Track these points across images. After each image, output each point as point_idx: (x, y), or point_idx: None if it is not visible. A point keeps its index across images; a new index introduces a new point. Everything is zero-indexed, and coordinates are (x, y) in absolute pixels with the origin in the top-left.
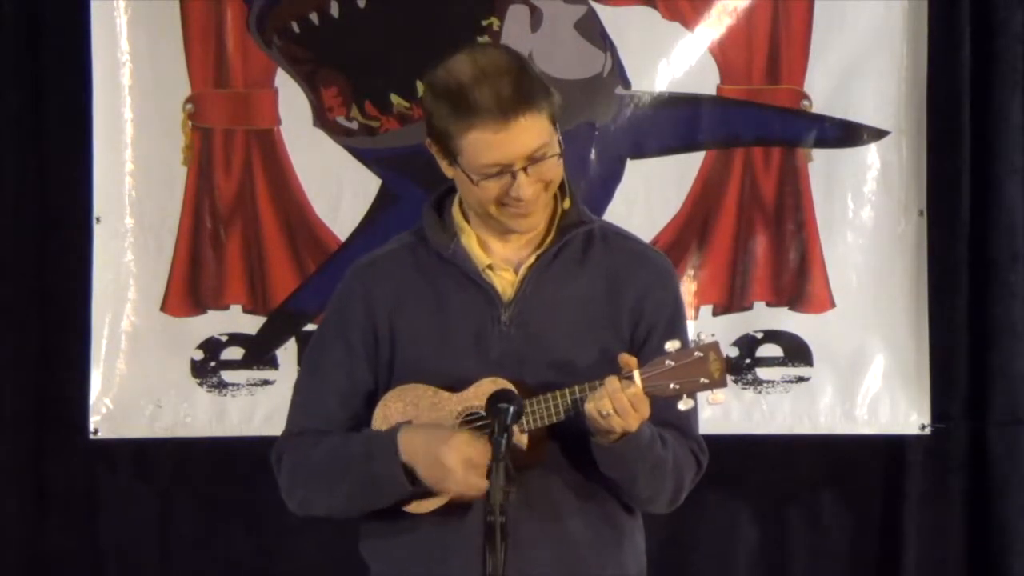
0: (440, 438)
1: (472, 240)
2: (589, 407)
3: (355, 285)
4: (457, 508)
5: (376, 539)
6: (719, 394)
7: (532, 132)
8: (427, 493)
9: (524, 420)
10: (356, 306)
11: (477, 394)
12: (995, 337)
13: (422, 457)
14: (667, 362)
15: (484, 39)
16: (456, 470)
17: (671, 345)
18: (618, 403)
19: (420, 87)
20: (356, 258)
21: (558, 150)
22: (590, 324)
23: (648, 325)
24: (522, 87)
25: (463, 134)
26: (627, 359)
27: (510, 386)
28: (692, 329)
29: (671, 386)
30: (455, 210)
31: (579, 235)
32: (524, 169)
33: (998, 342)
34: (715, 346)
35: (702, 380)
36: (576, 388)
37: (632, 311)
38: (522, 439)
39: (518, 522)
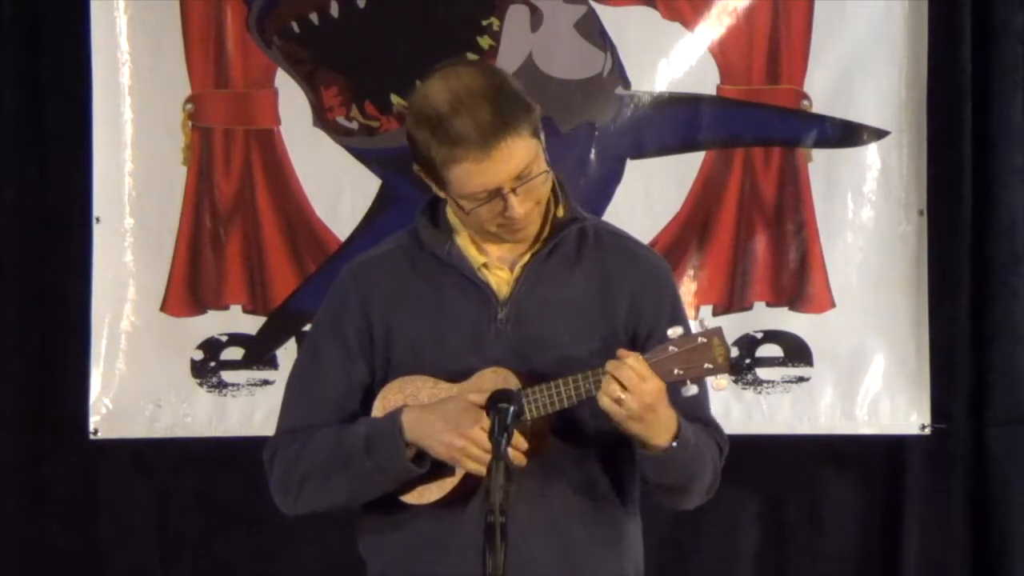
0: (453, 403)
1: (467, 240)
2: (603, 400)
3: (350, 285)
4: (456, 503)
5: (374, 535)
6: (722, 379)
7: (517, 154)
8: (429, 478)
9: (526, 410)
10: (351, 305)
11: (478, 384)
12: (995, 337)
13: (435, 426)
14: (670, 348)
15: (484, 39)
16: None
17: (673, 331)
18: (624, 377)
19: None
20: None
21: (545, 167)
22: (586, 321)
23: (648, 325)
24: (500, 110)
25: (448, 166)
26: (626, 352)
27: (512, 376)
28: (694, 323)
29: (675, 371)
30: (449, 211)
31: (573, 232)
32: (514, 190)
33: (998, 342)
34: (718, 331)
35: (706, 365)
36: (579, 376)
37: (629, 312)
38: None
39: (516, 521)
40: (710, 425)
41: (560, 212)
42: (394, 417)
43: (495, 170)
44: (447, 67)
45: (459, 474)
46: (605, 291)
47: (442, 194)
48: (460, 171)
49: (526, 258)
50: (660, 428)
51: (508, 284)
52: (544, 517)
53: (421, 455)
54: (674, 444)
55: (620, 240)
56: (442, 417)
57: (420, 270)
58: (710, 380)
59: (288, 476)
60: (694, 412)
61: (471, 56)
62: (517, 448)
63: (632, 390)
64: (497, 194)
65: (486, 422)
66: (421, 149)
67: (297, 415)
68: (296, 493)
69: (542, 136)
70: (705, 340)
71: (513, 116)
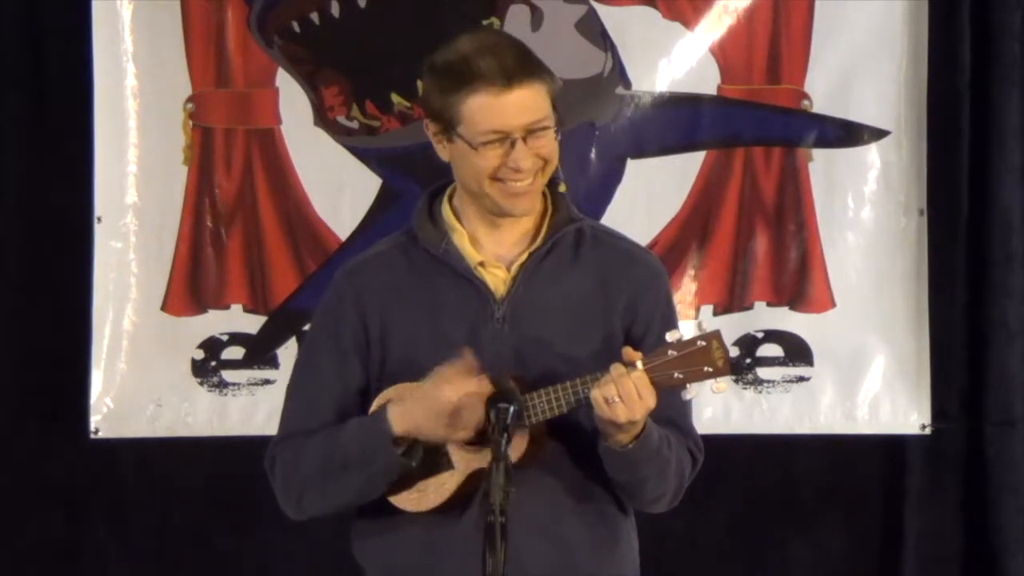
0: (431, 385)
1: (464, 239)
2: (595, 394)
3: (345, 287)
4: (452, 507)
5: (368, 541)
6: (722, 383)
7: (533, 102)
8: (425, 475)
9: (524, 416)
10: (347, 308)
11: None
12: (992, 337)
13: (420, 412)
14: (670, 352)
15: None
16: (457, 406)
17: (672, 335)
18: (623, 389)
19: (420, 87)
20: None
21: (556, 124)
22: (583, 321)
23: (644, 325)
24: (524, 59)
25: (465, 100)
26: (631, 352)
27: (508, 382)
28: (691, 325)
29: (675, 375)
30: (445, 209)
31: (570, 233)
32: (523, 139)
33: (995, 342)
34: (717, 335)
35: (706, 369)
36: (577, 381)
37: (625, 312)
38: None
39: (514, 521)
40: (688, 435)
41: (555, 211)
42: (380, 413)
43: (511, 111)
44: (472, 28)
45: (456, 480)
46: (603, 291)
47: (445, 155)
48: (476, 105)
49: (523, 257)
50: (630, 431)
51: (505, 283)
52: (541, 518)
53: (411, 450)
54: (630, 445)
55: (617, 241)
56: (424, 399)
57: (416, 269)
58: (709, 384)
59: (288, 483)
60: (674, 417)
61: None
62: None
63: (626, 402)
64: (507, 139)
65: (468, 386)
66: (438, 95)
67: (295, 420)
68: (298, 499)
69: (557, 110)
70: (704, 344)
71: (537, 69)
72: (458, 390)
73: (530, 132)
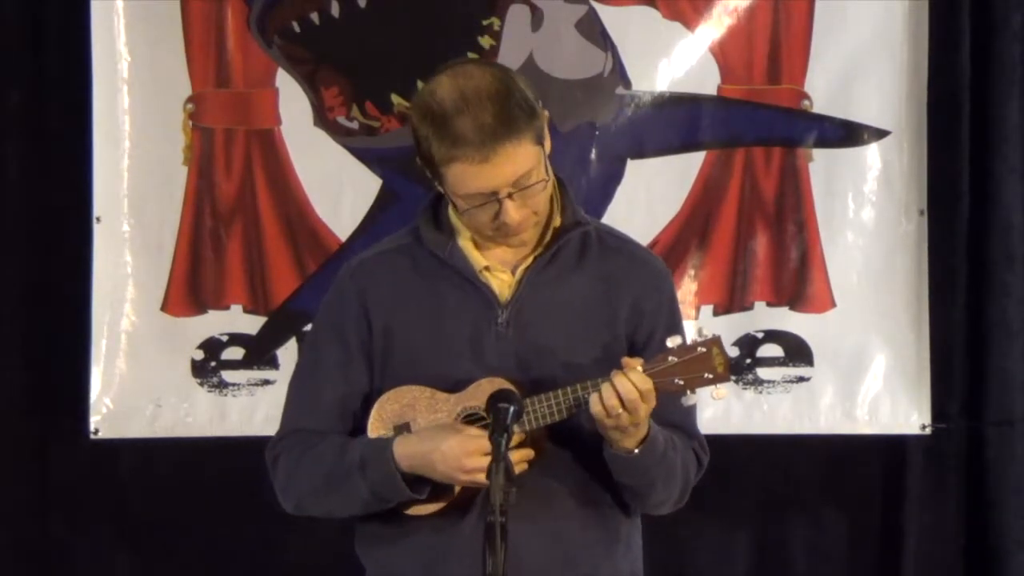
0: (450, 435)
1: (468, 242)
2: (597, 409)
3: (349, 284)
4: (454, 511)
5: (371, 542)
6: (722, 389)
7: (516, 160)
8: (429, 497)
9: (524, 420)
10: (351, 305)
11: (475, 394)
12: (992, 337)
13: (433, 460)
14: (670, 358)
15: (485, 39)
16: (461, 459)
17: (672, 341)
18: (627, 395)
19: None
20: None
21: (544, 175)
22: (587, 325)
23: (648, 328)
24: (504, 114)
25: (446, 165)
26: (630, 361)
27: (509, 386)
28: (692, 328)
29: (675, 381)
30: (451, 212)
31: (575, 237)
32: (510, 196)
33: (995, 342)
34: (717, 341)
35: (706, 375)
36: (578, 386)
37: (630, 314)
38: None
39: (513, 521)
40: (693, 436)
41: (561, 216)
42: (385, 449)
43: (492, 174)
44: (458, 64)
45: (457, 487)
46: (607, 295)
47: (442, 189)
48: (457, 171)
49: (528, 261)
50: (634, 435)
51: (510, 287)
52: (541, 519)
53: (419, 479)
54: (636, 451)
55: (622, 244)
56: (439, 451)
57: (421, 270)
58: (709, 390)
59: (288, 486)
60: (678, 419)
61: (472, 56)
62: (522, 459)
63: (629, 408)
64: (493, 198)
65: (484, 445)
66: (423, 144)
67: (299, 416)
68: (295, 502)
69: (546, 143)
70: (704, 350)
71: (516, 121)
72: (474, 455)
73: (517, 187)
